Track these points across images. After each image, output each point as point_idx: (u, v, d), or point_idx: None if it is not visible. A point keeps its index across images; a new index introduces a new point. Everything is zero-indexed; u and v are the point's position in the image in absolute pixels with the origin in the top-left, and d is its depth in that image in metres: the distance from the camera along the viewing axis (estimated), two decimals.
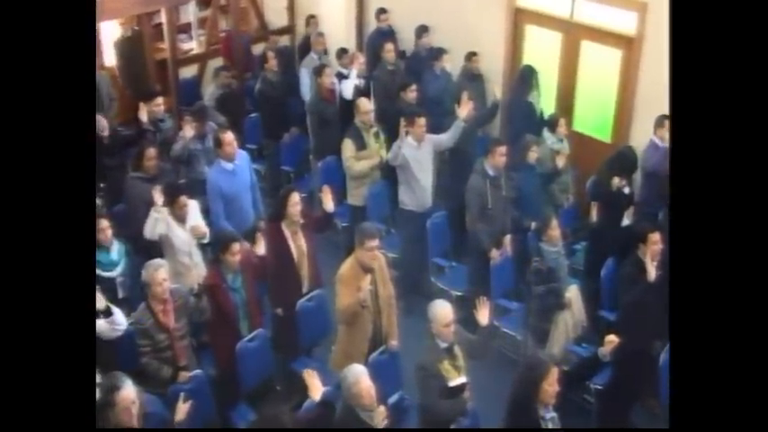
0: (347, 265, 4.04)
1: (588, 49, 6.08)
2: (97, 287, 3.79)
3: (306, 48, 7.44)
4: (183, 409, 3.40)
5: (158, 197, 4.50)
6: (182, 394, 3.46)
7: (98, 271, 4.29)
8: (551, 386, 3.13)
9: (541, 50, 6.43)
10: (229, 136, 4.95)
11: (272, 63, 6.66)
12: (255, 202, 5.14)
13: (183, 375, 3.86)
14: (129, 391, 3.07)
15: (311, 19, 7.83)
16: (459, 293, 5.04)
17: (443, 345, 3.64)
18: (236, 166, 4.97)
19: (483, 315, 3.80)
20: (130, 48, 7.32)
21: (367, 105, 5.54)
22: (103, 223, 4.35)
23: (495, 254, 4.85)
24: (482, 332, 3.83)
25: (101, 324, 3.70)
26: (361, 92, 6.33)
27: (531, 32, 6.51)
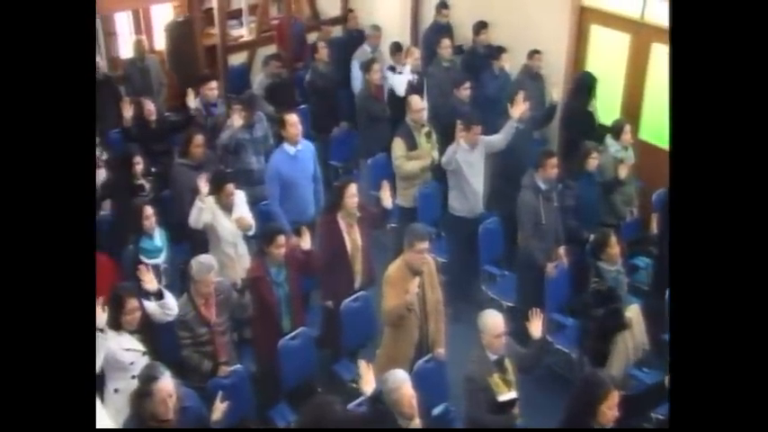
0: (395, 267, 4.05)
1: (659, 51, 5.94)
2: (149, 268, 3.92)
3: (357, 40, 7.47)
4: (220, 409, 3.45)
5: (203, 186, 4.57)
6: (219, 393, 3.51)
7: (143, 258, 4.40)
8: (611, 410, 3.08)
9: (607, 52, 6.32)
10: (293, 117, 5.05)
11: (323, 54, 6.72)
12: (317, 195, 5.19)
13: (224, 370, 3.93)
14: (166, 382, 3.13)
15: (349, 13, 7.87)
16: (511, 304, 5.00)
17: (493, 357, 3.62)
18: (298, 152, 5.05)
19: (536, 327, 3.77)
20: (181, 32, 7.47)
21: (418, 103, 5.53)
22: (148, 210, 4.46)
23: (549, 267, 4.78)
24: (534, 346, 3.79)
25: (152, 307, 3.81)
26: (414, 88, 6.33)
27: (597, 33, 6.40)
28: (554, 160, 4.75)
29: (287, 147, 5.04)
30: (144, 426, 3.16)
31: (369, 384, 3.40)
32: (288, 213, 4.87)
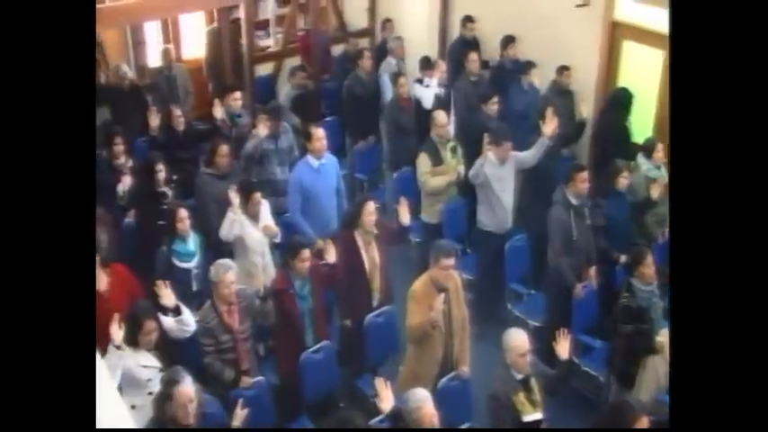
0: (420, 282, 4.08)
1: None
2: (170, 282, 3.98)
3: (383, 52, 7.57)
4: (240, 416, 3.52)
5: (234, 197, 4.65)
6: (240, 400, 3.57)
7: (175, 261, 4.49)
8: None
9: (640, 68, 6.32)
10: (320, 131, 5.13)
11: (368, 63, 6.80)
12: (340, 209, 5.25)
13: (246, 380, 3.99)
14: (187, 387, 3.21)
15: (387, 23, 7.96)
16: (537, 324, 5.00)
17: (519, 376, 3.63)
18: (321, 166, 5.13)
19: (563, 348, 3.77)
20: (220, 40, 7.60)
21: (443, 119, 5.58)
22: (182, 213, 4.52)
23: (578, 289, 4.77)
24: (561, 367, 3.79)
25: (169, 322, 3.86)
26: (441, 101, 6.39)
27: (630, 49, 6.41)
28: (584, 174, 4.76)
29: (310, 159, 5.13)
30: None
31: (386, 402, 3.42)
32: (308, 224, 4.94)
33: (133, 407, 3.66)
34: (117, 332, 3.60)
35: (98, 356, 2.42)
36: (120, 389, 3.64)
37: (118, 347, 3.59)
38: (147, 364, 3.69)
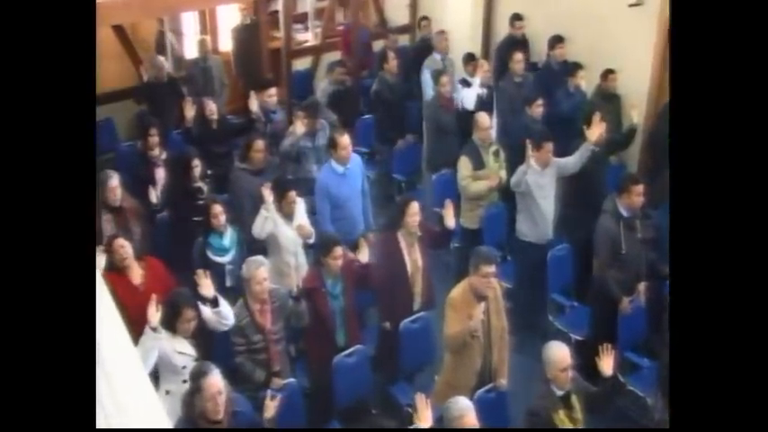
0: (459, 290, 4.11)
1: None
2: (207, 272, 4.06)
3: (424, 49, 7.59)
4: (271, 407, 3.60)
5: (268, 194, 4.72)
6: (269, 392, 3.64)
7: (210, 255, 4.60)
8: None
9: None
10: (346, 139, 5.12)
11: (393, 64, 6.82)
12: (365, 211, 5.30)
13: (277, 382, 4.05)
14: (216, 379, 3.29)
15: (423, 21, 7.98)
16: (580, 338, 4.97)
17: (559, 392, 3.63)
18: (347, 170, 5.13)
19: (607, 365, 3.76)
20: (247, 36, 7.76)
21: (486, 121, 5.57)
22: (217, 208, 4.62)
23: (625, 303, 4.72)
24: (604, 384, 3.78)
25: (208, 314, 3.95)
26: (483, 103, 6.40)
27: None
28: (640, 187, 4.65)
29: (335, 165, 5.11)
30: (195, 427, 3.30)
31: (425, 421, 3.38)
32: (337, 231, 4.89)
33: (168, 392, 3.80)
34: (154, 314, 3.71)
35: (130, 343, 2.47)
36: (156, 375, 3.77)
37: (154, 329, 3.70)
38: (183, 351, 3.80)
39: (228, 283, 4.60)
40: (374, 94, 6.85)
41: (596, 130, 5.19)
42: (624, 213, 4.71)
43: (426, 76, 7.04)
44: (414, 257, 4.56)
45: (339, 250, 4.22)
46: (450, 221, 4.67)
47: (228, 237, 4.72)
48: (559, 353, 3.61)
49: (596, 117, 5.27)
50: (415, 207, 4.48)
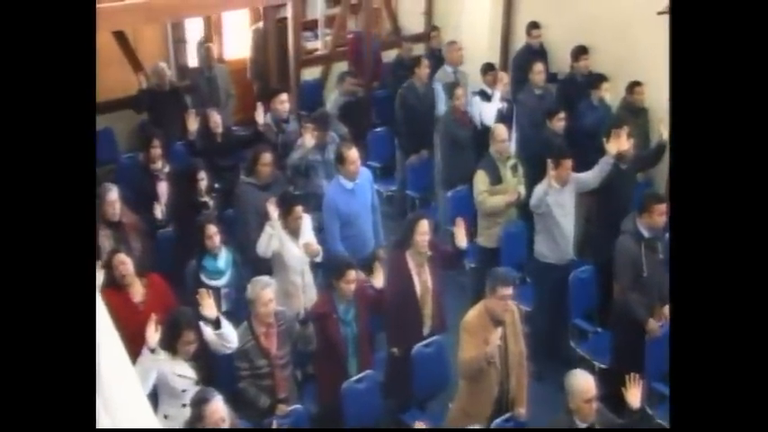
0: (475, 313, 4.07)
1: None
2: (209, 293, 4.03)
3: (436, 60, 7.57)
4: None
5: (273, 210, 4.70)
6: (274, 420, 3.61)
7: (203, 279, 4.56)
8: None
9: None
10: (354, 153, 5.07)
11: (425, 72, 6.76)
12: (376, 227, 5.27)
13: (282, 408, 4.03)
14: (218, 405, 3.28)
15: (433, 31, 7.98)
16: (604, 366, 4.90)
17: (582, 424, 3.58)
18: (356, 186, 5.09)
19: (634, 396, 3.71)
20: (266, 40, 7.74)
21: (503, 134, 5.55)
22: (211, 229, 4.58)
23: (653, 325, 4.64)
24: (631, 417, 3.73)
25: (210, 335, 3.93)
26: (503, 117, 6.38)
27: None
28: (663, 207, 4.60)
29: (343, 181, 5.05)
30: None
31: None
32: (347, 249, 4.90)
33: (166, 417, 3.77)
34: (153, 335, 3.69)
35: (128, 362, 2.47)
36: (156, 397, 3.74)
37: (152, 350, 3.68)
38: (183, 374, 3.78)
39: (224, 307, 4.50)
40: (400, 97, 6.75)
41: (616, 144, 5.15)
42: (645, 234, 4.67)
43: (438, 89, 7.02)
44: (423, 278, 4.52)
45: (353, 274, 4.18)
46: (462, 240, 4.61)
47: (223, 258, 4.64)
48: (584, 383, 3.57)
49: (620, 131, 5.23)
50: (424, 225, 4.44)
